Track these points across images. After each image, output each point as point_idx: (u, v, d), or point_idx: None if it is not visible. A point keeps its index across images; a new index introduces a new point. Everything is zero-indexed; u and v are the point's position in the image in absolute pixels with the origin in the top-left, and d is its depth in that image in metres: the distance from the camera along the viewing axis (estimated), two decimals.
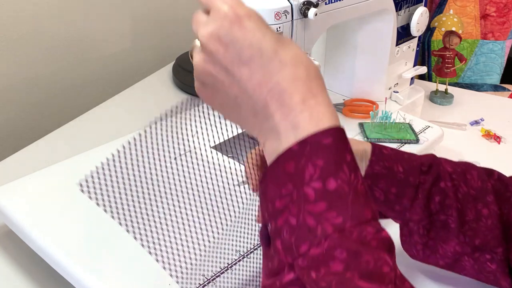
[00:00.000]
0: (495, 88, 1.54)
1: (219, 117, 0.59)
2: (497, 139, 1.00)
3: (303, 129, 0.38)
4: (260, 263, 0.59)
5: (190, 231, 0.56)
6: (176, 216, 0.67)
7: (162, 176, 0.75)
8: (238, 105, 0.42)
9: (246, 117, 0.42)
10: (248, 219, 0.59)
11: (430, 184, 0.57)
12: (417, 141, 0.84)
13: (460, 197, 0.57)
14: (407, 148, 0.83)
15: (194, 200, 0.60)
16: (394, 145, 0.82)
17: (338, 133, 0.38)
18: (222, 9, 0.42)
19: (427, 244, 0.59)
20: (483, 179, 0.57)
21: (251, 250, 0.59)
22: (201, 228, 0.56)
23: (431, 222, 0.58)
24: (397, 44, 0.94)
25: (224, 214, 0.59)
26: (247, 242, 0.59)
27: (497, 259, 0.57)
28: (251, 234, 0.60)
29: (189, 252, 0.56)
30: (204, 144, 0.80)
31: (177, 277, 0.57)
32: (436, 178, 0.57)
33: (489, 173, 0.59)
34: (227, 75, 0.42)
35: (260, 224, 0.61)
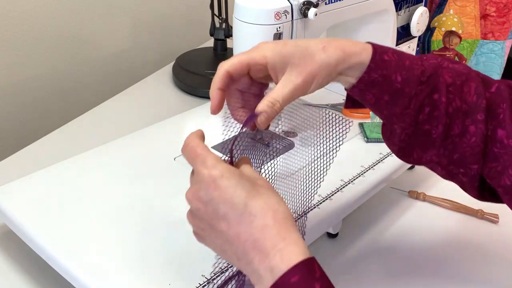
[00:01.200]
0: None
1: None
2: None
3: (278, 271, 0.44)
4: None
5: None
6: (175, 216, 0.67)
7: (162, 176, 0.75)
8: (225, 251, 0.48)
9: (233, 260, 0.48)
10: None
11: (424, 95, 0.56)
12: None
13: (450, 111, 0.56)
14: None
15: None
16: None
17: (306, 267, 0.44)
18: (201, 173, 0.48)
19: (404, 148, 0.59)
20: (479, 93, 0.56)
21: None
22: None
23: (415, 131, 0.57)
24: (397, 44, 0.94)
25: None
26: None
27: (470, 174, 0.58)
28: None
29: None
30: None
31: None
32: (432, 89, 0.56)
33: (488, 85, 0.57)
34: (210, 228, 0.48)
35: None
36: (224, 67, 0.53)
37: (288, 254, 0.44)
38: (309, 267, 0.44)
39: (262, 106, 0.52)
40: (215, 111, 0.55)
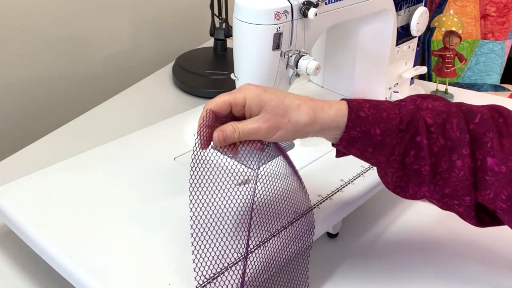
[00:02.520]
0: (495, 88, 1.54)
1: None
2: None
3: None
4: (260, 262, 0.59)
5: (194, 230, 0.56)
6: (175, 216, 0.67)
7: (162, 176, 0.75)
8: None
9: None
10: (248, 218, 0.59)
11: (407, 141, 0.58)
12: None
13: (436, 150, 0.58)
14: None
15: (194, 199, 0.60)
16: None
17: None
18: None
19: (398, 185, 0.61)
20: (462, 128, 0.57)
21: (252, 250, 0.59)
22: (201, 228, 0.56)
23: (405, 172, 0.59)
24: (397, 44, 0.94)
25: (225, 213, 0.59)
26: (247, 242, 0.59)
27: (464, 205, 0.59)
28: (252, 233, 0.60)
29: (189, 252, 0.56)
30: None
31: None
32: (414, 133, 0.58)
33: (471, 116, 0.59)
34: None
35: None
36: (209, 106, 0.57)
37: None
38: None
39: (225, 126, 0.57)
40: (204, 147, 0.58)
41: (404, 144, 0.58)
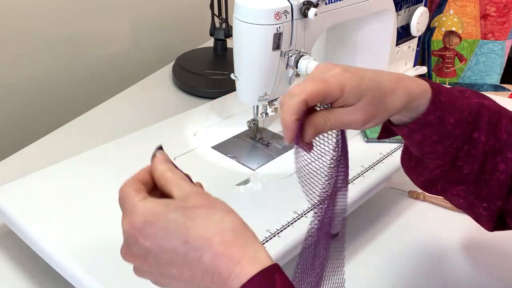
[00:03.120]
0: (495, 88, 1.54)
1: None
2: None
3: None
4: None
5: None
6: None
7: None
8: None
9: None
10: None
11: (467, 134, 0.55)
12: None
13: (487, 149, 0.55)
14: None
15: None
16: (394, 145, 0.82)
17: (262, 279, 0.40)
18: (123, 226, 0.46)
19: (430, 180, 0.58)
20: (509, 131, 0.55)
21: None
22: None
23: (450, 167, 0.56)
24: (397, 44, 0.94)
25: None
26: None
27: (492, 209, 0.57)
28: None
29: None
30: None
31: None
32: (473, 128, 0.55)
33: None
34: (163, 276, 0.45)
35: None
36: (302, 96, 0.47)
37: (246, 276, 0.41)
38: (268, 278, 0.41)
39: (316, 119, 0.49)
40: (294, 141, 0.49)
41: (466, 137, 0.55)
